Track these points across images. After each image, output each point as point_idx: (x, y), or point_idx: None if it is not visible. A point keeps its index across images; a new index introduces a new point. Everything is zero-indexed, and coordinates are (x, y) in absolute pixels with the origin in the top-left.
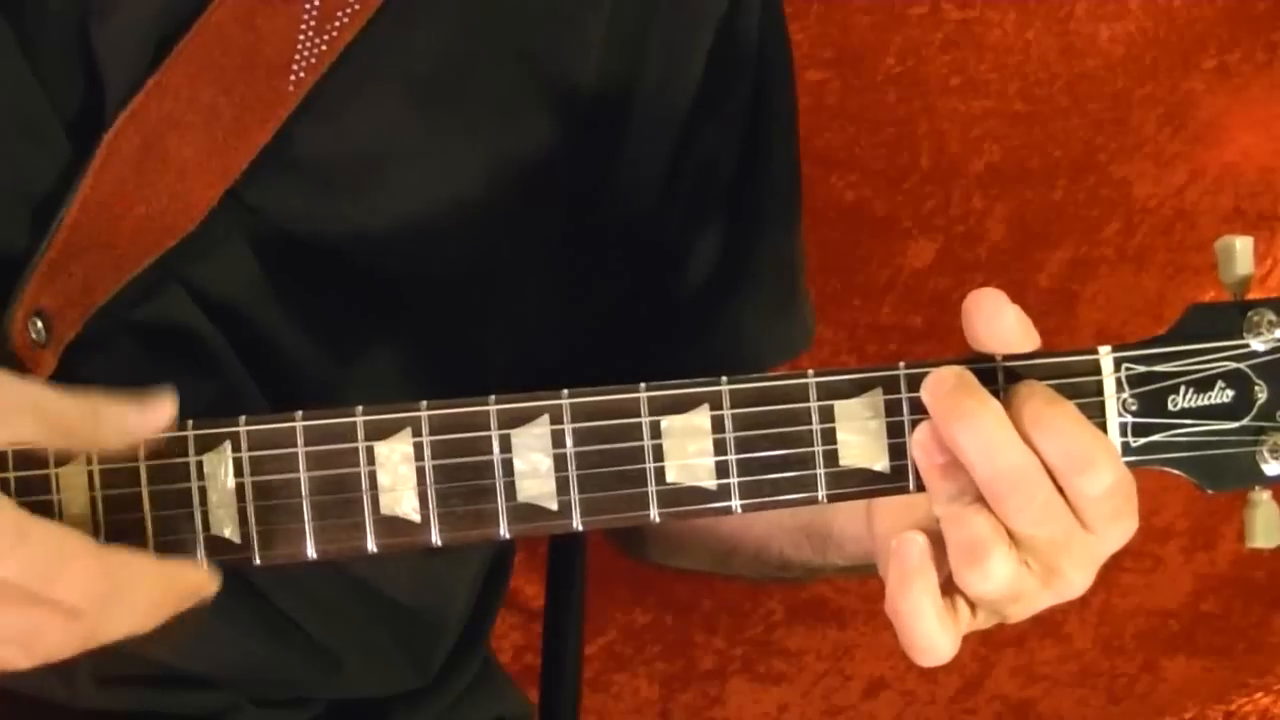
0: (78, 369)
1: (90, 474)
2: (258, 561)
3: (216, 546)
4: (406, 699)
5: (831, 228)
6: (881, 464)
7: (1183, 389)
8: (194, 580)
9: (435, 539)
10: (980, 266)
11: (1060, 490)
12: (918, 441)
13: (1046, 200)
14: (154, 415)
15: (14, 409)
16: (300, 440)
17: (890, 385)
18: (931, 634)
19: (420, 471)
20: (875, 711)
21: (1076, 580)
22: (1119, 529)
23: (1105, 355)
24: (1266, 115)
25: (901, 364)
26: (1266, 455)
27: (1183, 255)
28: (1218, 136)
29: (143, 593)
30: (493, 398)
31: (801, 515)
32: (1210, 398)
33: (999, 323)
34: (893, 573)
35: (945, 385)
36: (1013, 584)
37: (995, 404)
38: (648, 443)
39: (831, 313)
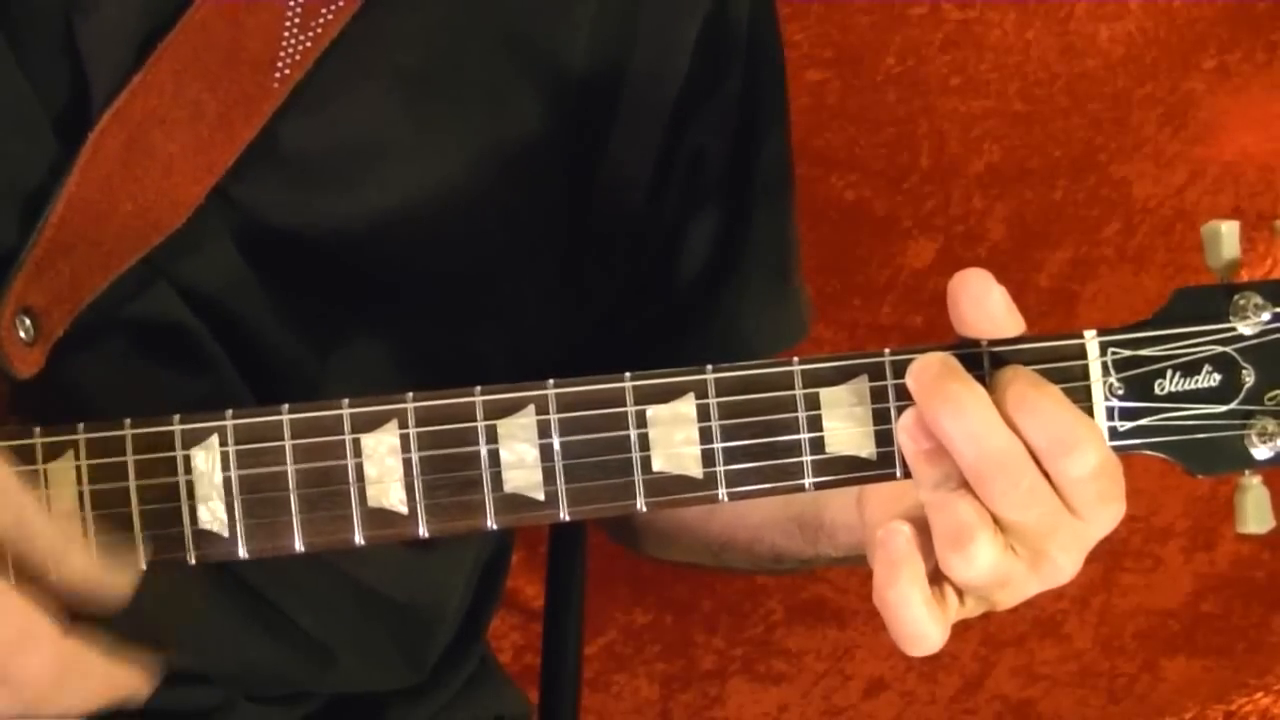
0: (65, 366)
1: (78, 469)
2: (245, 555)
3: (204, 540)
4: (402, 695)
5: (831, 228)
6: (868, 451)
7: (1169, 373)
8: (132, 683)
9: (422, 530)
10: (980, 266)
11: (1045, 474)
12: (903, 427)
13: (1046, 200)
14: (108, 585)
15: (3, 501)
16: (287, 433)
17: (876, 372)
18: (920, 622)
19: (407, 463)
20: (875, 711)
21: (1065, 565)
22: (1106, 513)
23: (1091, 339)
24: (1266, 115)
25: (887, 350)
26: (1255, 439)
27: (1183, 255)
28: (1218, 136)
29: (88, 687)
30: (478, 388)
31: (793, 505)
32: (1197, 381)
33: (986, 302)
34: (879, 562)
35: (930, 371)
36: (998, 569)
37: (979, 388)
38: (633, 432)
39: (831, 313)
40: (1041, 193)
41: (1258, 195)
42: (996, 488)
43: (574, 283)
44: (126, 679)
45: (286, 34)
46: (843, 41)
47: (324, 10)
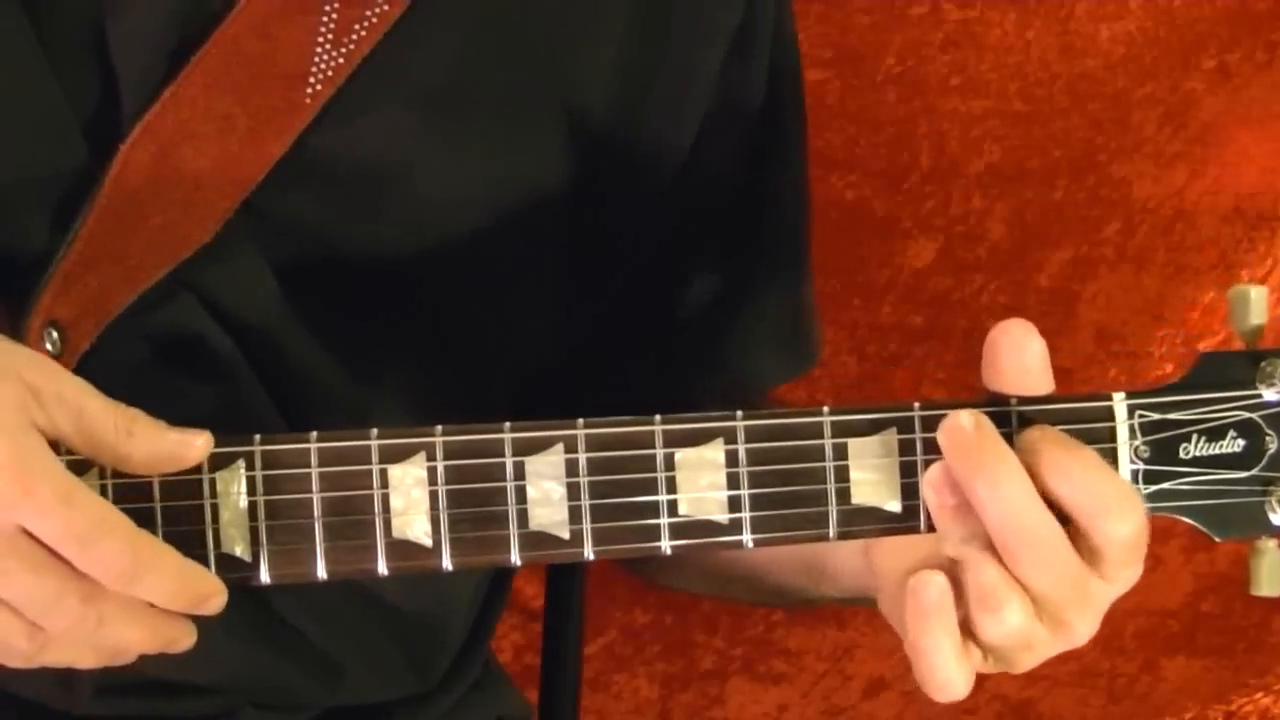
0: (87, 376)
1: (103, 487)
2: (268, 580)
3: (227, 564)
4: (408, 702)
5: (832, 228)
6: (893, 504)
7: (1194, 437)
8: (207, 587)
9: (446, 564)
10: (980, 266)
11: (1075, 537)
12: (930, 482)
13: (1046, 200)
14: (186, 448)
15: (58, 399)
16: (314, 461)
17: (905, 425)
18: (949, 670)
19: (433, 496)
20: (875, 711)
21: (1082, 631)
22: (1129, 575)
23: (1119, 402)
24: (1266, 115)
25: (917, 404)
26: (1275, 505)
27: (1183, 255)
28: (1218, 136)
29: (161, 583)
30: (507, 425)
31: (798, 547)
32: (1221, 446)
33: (1024, 353)
34: (910, 612)
35: (963, 433)
36: (1025, 632)
37: (1013, 458)
38: (661, 474)
39: (831, 313)
40: (1041, 193)
41: (1258, 195)
42: (1026, 560)
43: (586, 306)
44: (203, 581)
45: (319, 50)
46: (843, 41)
47: (357, 27)
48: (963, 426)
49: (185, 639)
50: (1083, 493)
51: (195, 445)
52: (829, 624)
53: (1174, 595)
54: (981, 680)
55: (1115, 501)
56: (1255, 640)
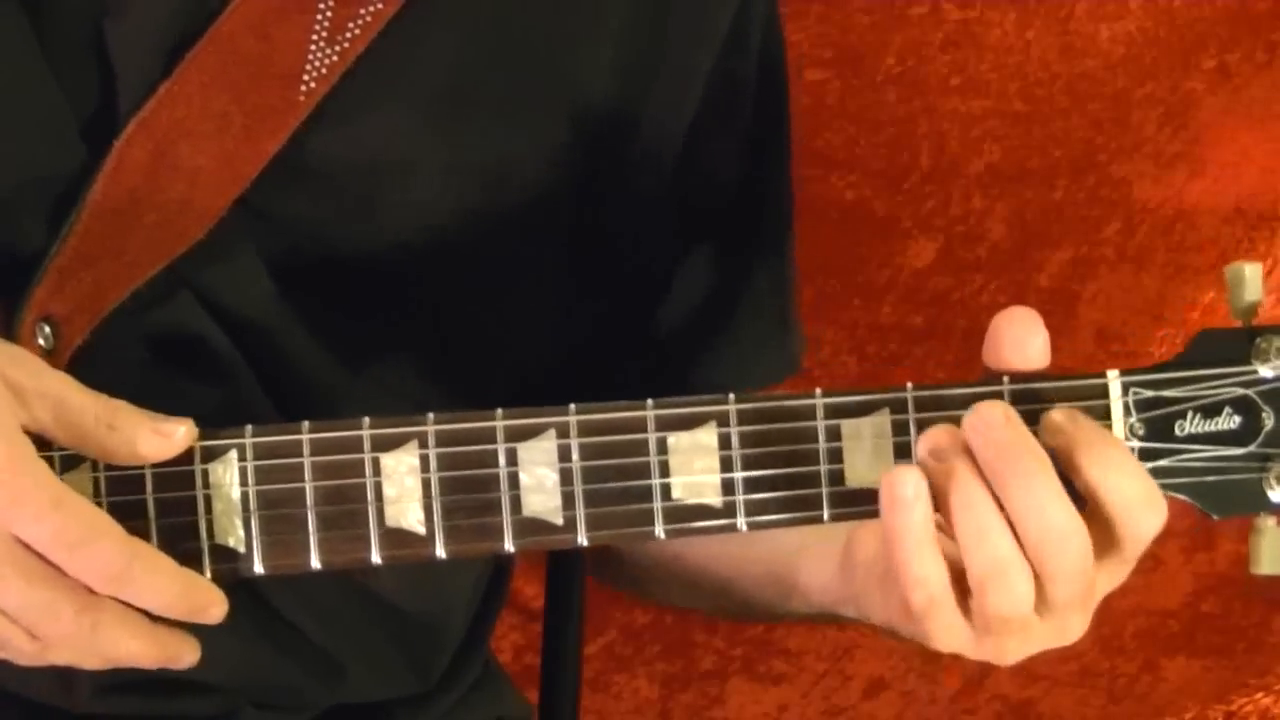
0: (85, 373)
1: (96, 480)
2: (261, 571)
3: (220, 555)
4: (408, 702)
5: (831, 228)
6: None
7: (1190, 414)
8: (204, 595)
9: (440, 552)
10: (980, 266)
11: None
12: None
13: (1046, 200)
14: (166, 441)
15: (39, 395)
16: (306, 450)
17: (898, 406)
18: (922, 566)
19: (426, 484)
20: (875, 711)
21: (1077, 628)
22: (1127, 570)
23: (1114, 379)
24: (1266, 115)
25: (909, 385)
26: (1273, 482)
27: (1183, 255)
28: (1218, 136)
29: (157, 589)
30: (499, 411)
31: (765, 561)
32: (1217, 423)
33: (1028, 346)
34: (884, 508)
35: (996, 428)
36: (1027, 601)
37: (1047, 460)
38: (654, 459)
39: (831, 313)
40: (1041, 193)
41: (1258, 195)
42: (1051, 563)
43: (582, 306)
44: (200, 590)
45: (313, 47)
46: (843, 41)
47: (351, 25)
48: (997, 421)
49: (187, 654)
50: (1128, 486)
51: (176, 436)
52: (829, 624)
53: (1174, 595)
54: (981, 680)
55: (1152, 495)
56: (1255, 640)
